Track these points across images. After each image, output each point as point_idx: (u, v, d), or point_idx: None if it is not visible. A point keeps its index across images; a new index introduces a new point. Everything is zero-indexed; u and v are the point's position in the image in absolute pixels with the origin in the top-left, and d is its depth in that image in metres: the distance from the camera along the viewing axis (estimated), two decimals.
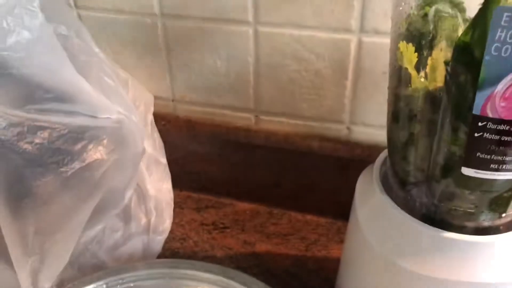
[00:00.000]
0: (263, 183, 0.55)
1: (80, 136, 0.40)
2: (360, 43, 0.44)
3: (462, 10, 0.24)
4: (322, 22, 0.44)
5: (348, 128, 0.50)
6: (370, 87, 0.46)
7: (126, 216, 0.50)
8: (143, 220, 0.51)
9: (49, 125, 0.38)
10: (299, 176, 0.53)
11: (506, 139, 0.25)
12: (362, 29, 0.43)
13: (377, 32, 0.43)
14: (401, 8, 0.26)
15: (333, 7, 0.43)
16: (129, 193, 0.47)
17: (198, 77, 0.52)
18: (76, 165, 0.39)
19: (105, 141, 0.41)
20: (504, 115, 0.24)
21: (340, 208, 0.46)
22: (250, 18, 0.46)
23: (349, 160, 0.50)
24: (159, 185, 0.53)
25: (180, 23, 0.49)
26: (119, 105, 0.44)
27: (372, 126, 0.49)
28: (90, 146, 0.40)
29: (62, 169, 0.38)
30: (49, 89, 0.37)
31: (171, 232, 0.53)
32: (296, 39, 0.46)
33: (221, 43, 0.49)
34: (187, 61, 0.51)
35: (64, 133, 0.39)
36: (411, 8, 0.25)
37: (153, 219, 0.51)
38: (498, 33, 0.22)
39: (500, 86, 0.23)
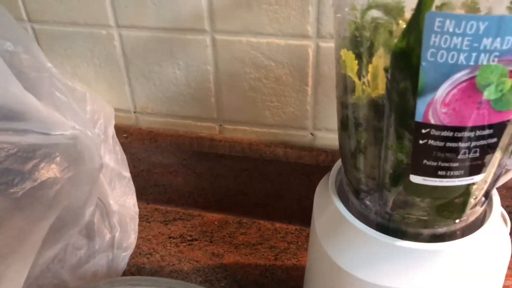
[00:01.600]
0: (230, 193, 0.54)
1: (30, 154, 0.38)
2: (318, 49, 0.44)
3: (398, 16, 0.23)
4: (279, 29, 0.44)
5: (312, 134, 0.50)
6: (331, 92, 0.46)
7: (90, 233, 0.49)
8: (107, 236, 0.50)
9: None
10: (266, 184, 0.52)
11: (451, 145, 0.24)
12: (319, 34, 0.43)
13: (333, 37, 0.42)
14: (339, 15, 0.25)
15: (289, 13, 0.43)
16: (89, 210, 0.45)
17: (158, 87, 0.51)
18: (27, 185, 0.38)
19: (58, 159, 0.40)
20: (447, 122, 0.24)
21: (308, 215, 0.45)
22: (207, 26, 0.45)
23: (314, 167, 0.49)
24: (122, 200, 0.52)
25: (136, 34, 0.48)
26: (74, 120, 0.43)
27: (335, 131, 0.48)
28: (42, 165, 0.39)
29: (12, 190, 0.37)
30: None
31: (137, 247, 0.52)
32: (254, 46, 0.45)
33: (179, 53, 0.48)
34: (146, 72, 0.50)
35: (13, 153, 0.37)
36: (349, 15, 0.25)
37: (117, 234, 0.50)
38: (432, 39, 0.21)
39: (440, 92, 0.23)
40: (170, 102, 0.51)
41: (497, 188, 0.31)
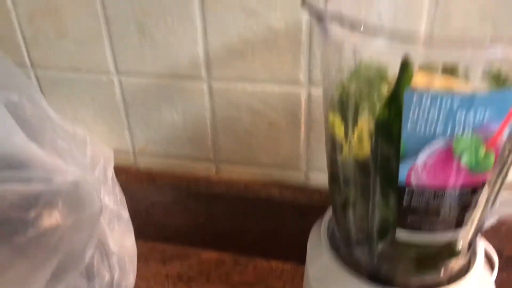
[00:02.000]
0: (226, 232, 0.55)
1: (33, 202, 0.40)
2: (309, 96, 0.46)
3: (381, 84, 0.25)
4: (273, 77, 0.46)
5: (306, 175, 0.51)
6: (323, 137, 0.47)
7: (89, 274, 0.50)
8: (107, 277, 0.50)
9: (0, 194, 0.38)
10: (262, 223, 0.54)
11: (433, 204, 0.26)
12: (311, 82, 0.45)
13: None
14: (327, 81, 0.27)
15: (282, 62, 0.45)
16: (89, 253, 0.46)
17: (157, 131, 0.52)
18: (30, 233, 0.39)
19: (60, 205, 0.41)
20: (427, 184, 0.25)
21: (303, 253, 0.46)
22: (203, 74, 0.47)
23: (308, 206, 0.51)
24: (121, 240, 0.53)
25: (135, 80, 0.49)
26: (75, 166, 0.44)
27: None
28: (45, 212, 0.40)
29: (15, 239, 0.38)
30: None
31: (136, 286, 0.53)
32: (249, 92, 0.47)
33: (177, 98, 0.49)
34: (145, 116, 0.52)
35: (16, 202, 0.39)
36: (336, 79, 0.26)
37: (116, 275, 0.51)
38: (411, 112, 0.23)
39: (420, 158, 0.24)
40: (168, 144, 0.53)
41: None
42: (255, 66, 0.45)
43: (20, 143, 0.39)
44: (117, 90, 0.51)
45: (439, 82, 0.25)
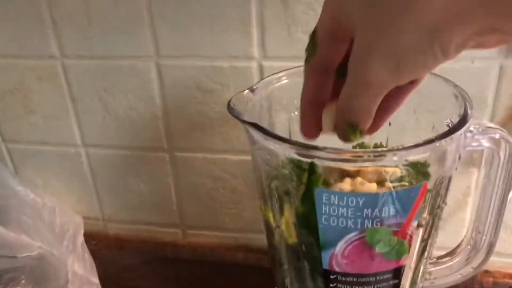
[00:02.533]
0: None
1: None
2: None
3: (298, 182, 0.27)
4: (231, 147, 0.48)
5: None
6: None
7: None
8: None
9: None
10: (228, 287, 0.55)
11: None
12: None
13: None
14: (255, 174, 0.29)
15: (239, 134, 0.47)
16: None
17: (124, 198, 0.54)
18: None
19: (23, 281, 0.43)
20: (349, 270, 0.27)
21: None
22: (165, 145, 0.49)
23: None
24: None
25: (101, 151, 0.52)
26: (41, 240, 0.46)
27: None
28: None
29: None
30: None
31: None
32: (210, 161, 0.50)
33: (142, 168, 0.52)
34: (112, 184, 0.54)
35: None
36: (263, 175, 0.29)
37: None
38: (323, 208, 0.25)
39: (338, 248, 0.26)
40: (135, 210, 0.55)
41: None
42: (215, 138, 0.48)
43: None
44: (85, 160, 0.53)
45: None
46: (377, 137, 0.35)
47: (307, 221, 0.26)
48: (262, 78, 0.32)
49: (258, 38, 0.42)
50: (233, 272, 0.54)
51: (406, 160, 0.24)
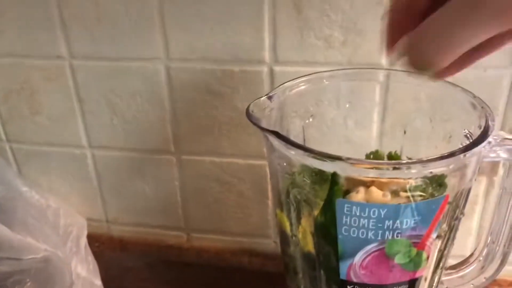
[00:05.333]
0: None
1: (1, 284, 0.40)
2: None
3: (320, 190, 0.27)
4: (239, 151, 0.48)
5: (275, 242, 0.52)
6: None
7: None
8: None
9: None
10: None
11: None
12: None
13: None
14: (272, 181, 0.29)
15: (247, 138, 0.47)
16: None
17: (129, 200, 0.54)
18: None
19: (29, 284, 0.42)
20: (367, 280, 0.27)
21: None
22: (173, 148, 0.49)
23: (278, 275, 0.52)
24: None
25: (107, 153, 0.51)
26: (46, 243, 0.45)
27: None
28: None
29: None
30: None
31: None
32: (217, 165, 0.49)
33: (148, 170, 0.51)
34: (117, 187, 0.53)
35: None
36: (281, 182, 0.28)
37: None
38: (344, 219, 0.25)
39: (357, 258, 0.26)
40: (140, 213, 0.54)
41: None
42: (222, 142, 0.48)
43: None
44: (90, 162, 0.52)
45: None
46: (391, 146, 0.35)
47: (326, 231, 0.26)
48: (279, 84, 0.32)
49: (269, 43, 0.42)
50: (238, 277, 0.53)
51: (431, 172, 0.24)
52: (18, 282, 0.41)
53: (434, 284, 0.30)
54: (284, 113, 0.32)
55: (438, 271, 0.29)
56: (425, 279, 0.28)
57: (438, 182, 0.27)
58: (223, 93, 0.45)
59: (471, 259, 0.34)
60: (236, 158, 0.48)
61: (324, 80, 0.32)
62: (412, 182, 0.26)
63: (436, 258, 0.28)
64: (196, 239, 0.54)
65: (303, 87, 0.32)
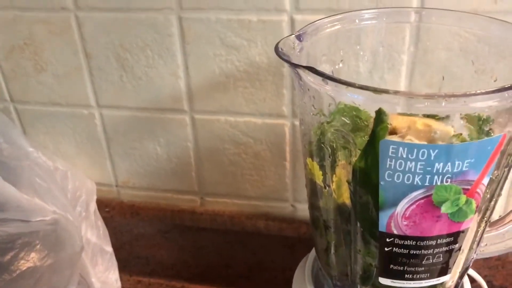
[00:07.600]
0: (213, 265, 0.54)
1: (10, 245, 0.39)
2: (294, 127, 0.45)
3: (359, 132, 0.25)
4: (256, 109, 0.45)
5: (293, 206, 0.50)
6: None
7: None
8: None
9: None
10: (249, 256, 0.53)
11: (415, 253, 0.25)
12: (294, 115, 0.44)
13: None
14: (303, 128, 0.26)
15: (265, 95, 0.44)
16: None
17: (140, 163, 0.51)
18: (6, 276, 0.38)
19: (38, 246, 0.40)
20: (409, 232, 0.24)
21: (290, 285, 0.45)
22: (186, 107, 0.46)
23: (295, 238, 0.50)
24: (105, 276, 0.52)
25: (117, 113, 0.49)
26: (54, 205, 0.43)
27: None
28: (22, 254, 0.39)
29: None
30: None
31: None
32: (232, 124, 0.47)
33: (159, 131, 0.49)
34: (127, 149, 0.51)
35: None
36: (312, 127, 0.26)
37: None
38: (388, 162, 0.22)
39: (400, 207, 0.24)
40: (152, 176, 0.52)
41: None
42: (238, 99, 0.45)
43: None
44: (98, 123, 0.50)
45: (419, 125, 0.24)
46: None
47: (367, 177, 0.23)
48: (308, 23, 0.29)
49: None
50: (254, 241, 0.52)
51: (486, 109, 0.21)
52: (27, 244, 0.40)
53: (477, 239, 0.28)
54: (312, 56, 0.29)
55: (483, 224, 0.27)
56: (472, 231, 0.26)
57: (488, 121, 0.24)
58: (239, 46, 0.42)
59: (510, 217, 0.32)
60: (252, 117, 0.46)
61: (357, 20, 0.30)
62: (447, 130, 0.23)
63: (484, 208, 0.26)
64: (210, 203, 0.52)
65: (334, 27, 0.29)
